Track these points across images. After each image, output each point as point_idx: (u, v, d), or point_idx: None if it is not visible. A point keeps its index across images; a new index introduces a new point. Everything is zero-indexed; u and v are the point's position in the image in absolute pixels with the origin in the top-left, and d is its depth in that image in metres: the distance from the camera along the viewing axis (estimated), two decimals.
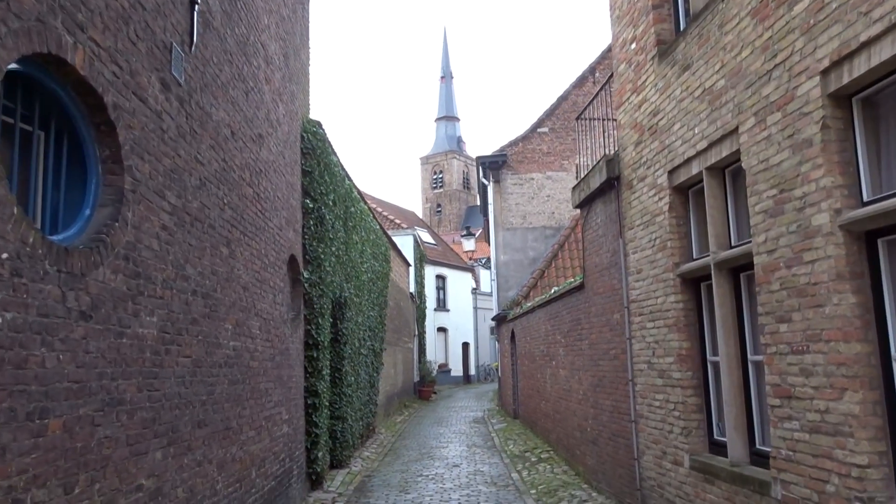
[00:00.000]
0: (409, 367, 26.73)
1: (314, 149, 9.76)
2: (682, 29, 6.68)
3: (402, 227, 33.47)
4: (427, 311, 33.81)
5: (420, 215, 67.43)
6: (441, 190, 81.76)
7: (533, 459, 11.89)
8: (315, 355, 9.49)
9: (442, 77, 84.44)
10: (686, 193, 6.68)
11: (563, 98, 22.48)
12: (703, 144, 5.93)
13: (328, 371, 10.30)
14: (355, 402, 12.81)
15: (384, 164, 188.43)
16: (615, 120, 10.07)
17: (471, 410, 22.97)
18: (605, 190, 8.55)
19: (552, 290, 12.22)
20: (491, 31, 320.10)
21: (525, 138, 22.35)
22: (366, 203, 14.77)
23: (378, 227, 16.72)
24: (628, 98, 7.79)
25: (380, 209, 34.54)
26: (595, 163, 8.72)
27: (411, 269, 28.58)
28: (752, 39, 5.12)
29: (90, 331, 3.45)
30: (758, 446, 5.48)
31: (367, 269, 14.42)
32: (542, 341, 13.35)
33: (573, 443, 10.60)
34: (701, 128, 5.97)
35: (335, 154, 11.19)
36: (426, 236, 39.12)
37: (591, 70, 22.49)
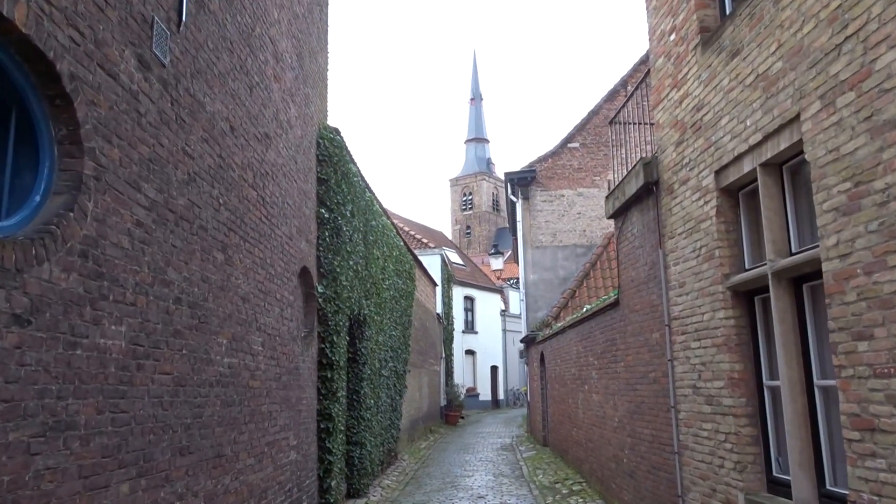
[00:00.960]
0: (436, 391, 25.98)
1: (331, 156, 9.24)
2: (728, 12, 6.01)
3: (430, 247, 32.91)
4: (455, 333, 33.07)
5: (449, 237, 67.02)
6: (470, 212, 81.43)
7: (564, 492, 11.06)
8: (329, 376, 8.87)
9: (472, 99, 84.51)
10: (736, 196, 5.95)
11: (594, 112, 21.82)
12: (757, 138, 5.22)
13: (344, 393, 9.67)
14: (375, 427, 12.14)
15: (414, 186, 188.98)
16: (651, 124, 9.41)
17: (499, 437, 22.11)
18: (641, 197, 7.85)
19: (584, 309, 11.47)
20: (520, 53, 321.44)
21: (555, 154, 21.70)
22: (388, 218, 14.22)
23: (402, 243, 16.15)
24: (667, 94, 7.11)
25: (406, 228, 34.05)
26: (630, 168, 8.04)
27: (438, 290, 27.95)
28: (815, 11, 4.42)
29: (27, 339, 2.87)
30: (829, 487, 4.68)
31: (390, 287, 13.83)
32: (574, 364, 12.57)
33: (608, 475, 9.77)
34: (754, 119, 5.27)
35: (354, 164, 10.67)
36: (454, 257, 38.50)
37: (623, 83, 21.82)
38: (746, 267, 5.79)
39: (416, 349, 19.81)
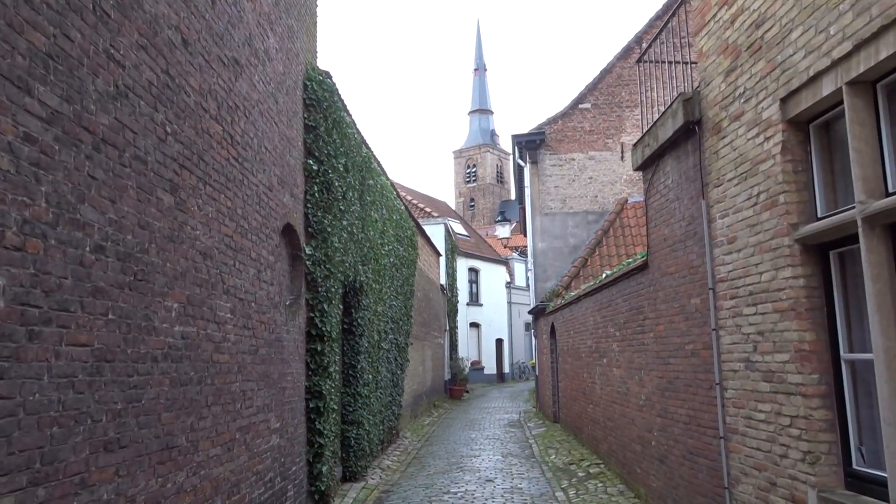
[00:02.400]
0: (440, 364, 25.09)
1: (320, 101, 8.12)
2: None
3: (433, 216, 31.80)
4: (459, 306, 32.12)
5: (453, 209, 65.92)
6: (474, 184, 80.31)
7: (580, 474, 10.10)
8: (319, 349, 7.86)
9: (475, 69, 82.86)
10: (805, 129, 4.84)
11: (606, 71, 20.55)
12: (845, 48, 4.09)
13: (338, 368, 8.66)
14: (373, 404, 11.17)
15: (416, 159, 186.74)
16: (686, 63, 8.25)
17: (505, 412, 21.22)
18: (679, 141, 6.74)
19: (602, 275, 10.42)
20: (524, 22, 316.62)
21: (565, 115, 20.48)
22: (388, 179, 13.11)
23: (403, 207, 15.06)
24: (714, 15, 5.95)
25: (409, 197, 32.91)
26: (666, 107, 6.91)
27: (442, 260, 26.92)
28: None
29: None
30: None
31: (390, 253, 12.77)
32: (590, 335, 11.55)
33: (631, 457, 8.79)
34: (841, 25, 4.14)
35: (348, 114, 9.55)
36: (458, 227, 37.38)
37: (638, 40, 20.51)
38: (819, 215, 4.71)
39: (419, 321, 18.83)
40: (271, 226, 6.45)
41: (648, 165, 7.70)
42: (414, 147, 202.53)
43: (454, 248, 31.32)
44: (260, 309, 5.99)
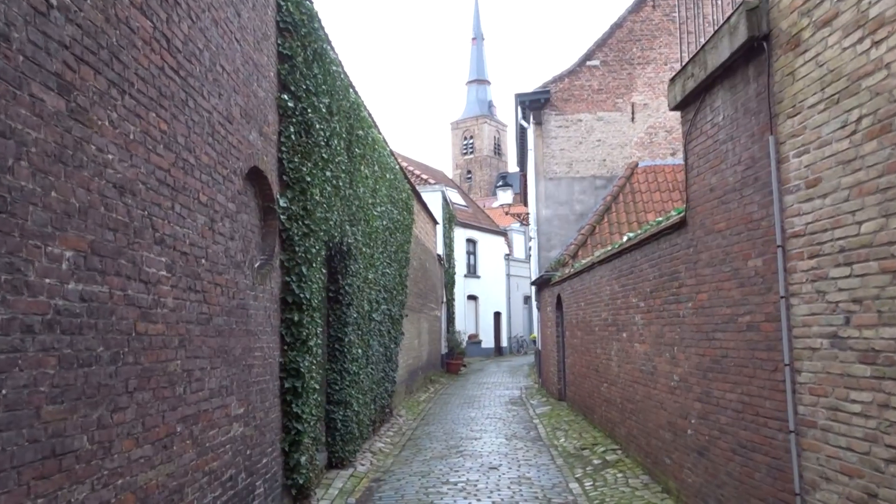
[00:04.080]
0: (437, 338, 23.98)
1: (297, 25, 6.81)
2: None
3: (430, 183, 30.48)
4: (456, 277, 30.95)
5: (450, 178, 64.59)
6: (471, 156, 79.03)
7: (595, 462, 8.99)
8: (297, 319, 6.65)
9: (473, 38, 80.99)
10: None
11: (617, 25, 19.12)
12: None
13: (320, 341, 7.47)
14: (364, 382, 10.01)
15: (413, 129, 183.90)
16: None
17: (505, 388, 20.15)
18: (735, 66, 5.47)
19: (623, 239, 9.19)
20: None
21: (572, 73, 19.10)
22: (380, 133, 11.81)
23: (398, 167, 13.77)
24: None
25: (405, 164, 31.53)
26: (720, 25, 5.61)
27: (439, 229, 25.68)
28: None
29: None
30: None
31: (383, 215, 11.52)
32: (605, 307, 10.36)
33: (658, 446, 7.66)
34: None
35: (333, 49, 8.23)
36: (456, 197, 36.07)
37: None
38: None
39: (415, 291, 17.65)
40: (231, 166, 5.19)
41: (690, 102, 6.43)
42: (410, 118, 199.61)
43: (452, 218, 30.05)
44: (214, 268, 4.76)
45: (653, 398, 7.91)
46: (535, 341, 23.98)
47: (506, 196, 19.99)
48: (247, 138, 5.59)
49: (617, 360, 9.73)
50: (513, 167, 71.30)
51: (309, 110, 6.99)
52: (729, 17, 5.38)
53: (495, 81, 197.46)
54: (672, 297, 7.10)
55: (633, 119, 18.81)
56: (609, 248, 9.98)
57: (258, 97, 5.96)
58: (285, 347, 6.58)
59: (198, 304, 4.44)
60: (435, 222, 23.79)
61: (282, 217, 6.48)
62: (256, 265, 6.06)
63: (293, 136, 6.72)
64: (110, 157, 3.34)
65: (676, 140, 18.72)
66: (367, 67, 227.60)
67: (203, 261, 4.55)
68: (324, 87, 7.55)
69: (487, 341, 36.47)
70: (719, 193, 5.83)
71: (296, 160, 6.72)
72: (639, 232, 8.44)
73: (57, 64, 2.91)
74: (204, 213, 4.59)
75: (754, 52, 5.15)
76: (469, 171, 78.74)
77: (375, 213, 10.83)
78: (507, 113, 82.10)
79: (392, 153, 12.97)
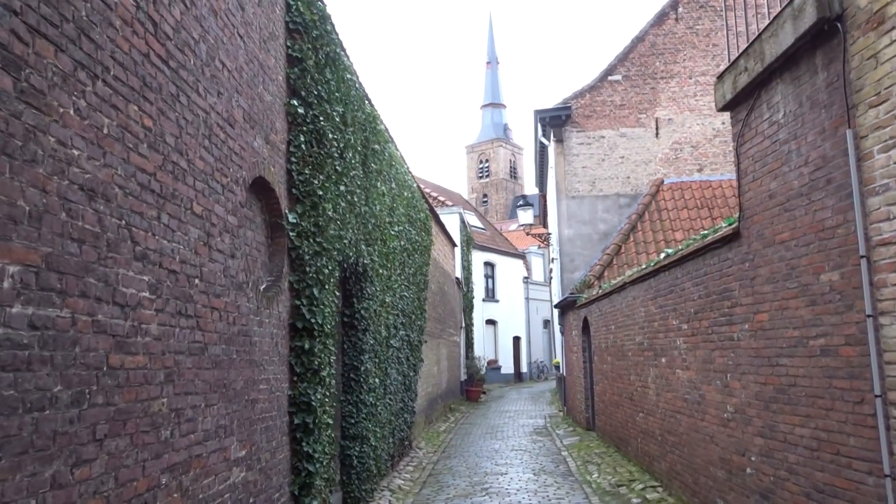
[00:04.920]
0: (456, 364, 23.23)
1: (308, 27, 6.28)
2: None
3: (447, 205, 29.93)
4: (475, 301, 30.24)
5: (467, 200, 64.23)
6: (487, 179, 78.72)
7: (635, 501, 8.20)
8: (307, 347, 6.02)
9: (488, 62, 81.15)
10: None
11: (639, 39, 18.57)
12: None
13: (333, 371, 6.82)
14: (381, 414, 9.33)
15: (428, 153, 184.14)
16: None
17: (528, 416, 19.32)
18: (800, 54, 4.83)
19: (660, 255, 8.50)
20: (537, 15, 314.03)
21: (593, 88, 18.53)
22: (397, 149, 11.26)
23: (416, 185, 13.21)
24: None
25: (421, 186, 31.04)
26: (782, 8, 4.98)
27: (457, 251, 25.05)
28: None
29: None
30: None
31: (400, 235, 10.92)
32: (640, 330, 9.64)
33: (709, 485, 6.89)
34: None
35: (347, 55, 7.70)
36: (473, 220, 35.51)
37: (674, 5, 18.53)
38: None
39: (434, 316, 16.98)
40: (232, 175, 4.61)
41: (742, 101, 5.79)
42: (426, 142, 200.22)
43: (470, 240, 29.44)
44: (210, 289, 4.15)
45: (700, 431, 7.16)
46: (557, 367, 23.15)
47: (526, 216, 19.29)
48: (251, 145, 5.02)
49: (655, 387, 8.98)
50: (529, 190, 70.79)
51: (321, 118, 6.43)
52: (791, 0, 4.76)
53: (510, 104, 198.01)
54: (723, 319, 6.39)
55: (657, 135, 18.18)
56: (643, 266, 9.29)
57: (264, 101, 5.40)
58: (295, 379, 5.94)
59: (190, 330, 3.82)
60: (453, 244, 23.19)
61: (291, 234, 5.88)
62: (262, 287, 5.46)
63: (304, 146, 6.15)
64: (76, 152, 2.76)
65: (703, 156, 18.06)
66: (382, 91, 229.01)
67: (197, 281, 3.94)
68: (337, 94, 7.00)
69: (507, 367, 35.58)
70: (781, 200, 5.16)
71: (306, 172, 6.14)
72: (679, 248, 7.75)
73: (1, 32, 2.34)
74: (198, 225, 3.99)
75: (823, 36, 4.51)
76: (485, 195, 78.42)
77: (393, 233, 10.23)
78: (523, 136, 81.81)
79: (409, 171, 12.40)
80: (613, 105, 18.42)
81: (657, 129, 18.21)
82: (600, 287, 13.16)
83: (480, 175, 78.52)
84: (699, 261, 6.99)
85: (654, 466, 9.08)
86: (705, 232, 6.88)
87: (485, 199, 77.45)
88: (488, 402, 24.73)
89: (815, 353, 4.75)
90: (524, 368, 37.42)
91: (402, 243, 11.16)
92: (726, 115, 18.62)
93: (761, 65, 5.24)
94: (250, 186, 5.11)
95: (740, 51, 5.75)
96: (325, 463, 6.37)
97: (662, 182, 17.67)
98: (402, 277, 11.22)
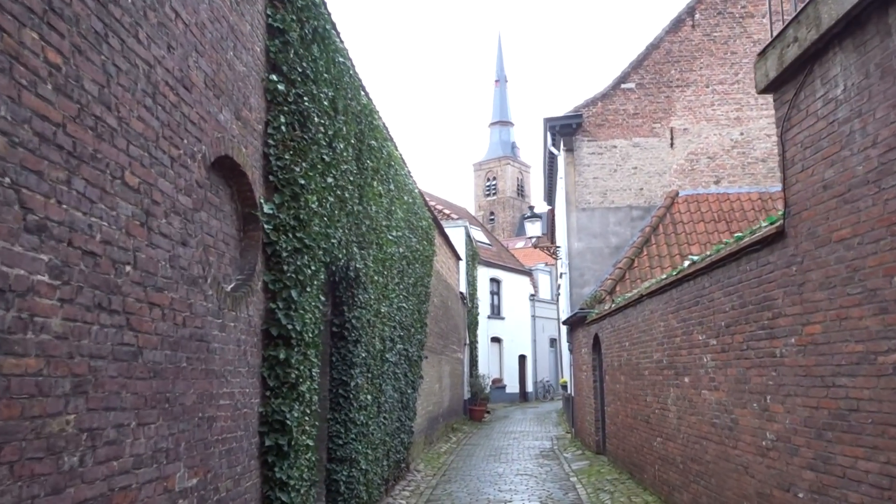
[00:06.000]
0: (458, 382, 22.34)
1: None
2: None
3: (452, 218, 29.20)
4: (479, 318, 29.39)
5: (473, 215, 63.63)
6: (494, 197, 78.21)
7: None
8: (283, 357, 5.22)
9: (496, 81, 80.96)
10: None
11: (653, 46, 17.87)
12: None
13: (315, 386, 6.02)
14: (374, 434, 8.50)
15: (436, 171, 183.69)
16: None
17: (534, 438, 18.39)
18: (864, 18, 4.06)
19: (684, 264, 7.69)
20: (546, 34, 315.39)
21: (605, 96, 17.82)
22: (398, 150, 10.54)
23: (418, 191, 12.46)
24: None
25: (427, 199, 30.33)
26: None
27: (462, 265, 24.28)
28: None
29: None
30: None
31: (399, 241, 10.15)
32: (659, 346, 8.81)
33: None
34: None
35: (339, 36, 6.99)
36: (479, 235, 34.73)
37: (690, 11, 17.85)
38: None
39: (436, 331, 16.16)
40: (186, 147, 3.86)
41: (789, 78, 5.00)
42: (433, 159, 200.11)
43: (475, 255, 28.66)
44: (149, 281, 3.38)
45: (732, 460, 6.30)
46: (565, 386, 22.22)
47: (534, 228, 18.52)
48: (214, 117, 4.27)
49: (676, 409, 8.13)
50: (537, 209, 70.19)
51: (305, 99, 5.69)
52: None
53: (518, 123, 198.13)
54: (762, 332, 5.56)
55: (671, 145, 17.42)
56: (662, 276, 8.47)
57: (235, 70, 4.66)
58: (268, 394, 5.14)
59: (115, 330, 3.04)
60: (458, 258, 22.41)
61: (266, 226, 5.12)
62: (231, 286, 4.69)
63: (284, 128, 5.40)
64: None
65: (720, 168, 17.27)
66: (390, 108, 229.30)
67: (128, 269, 3.17)
68: (326, 76, 6.27)
69: (512, 386, 34.62)
70: (840, 190, 4.36)
71: (287, 157, 5.39)
72: (707, 254, 6.94)
73: None
74: (133, 200, 3.22)
75: None
76: (492, 213, 77.88)
77: (390, 238, 9.46)
78: (530, 154, 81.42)
79: (410, 174, 11.65)
80: (626, 114, 17.69)
81: (672, 139, 17.46)
82: (613, 301, 12.33)
83: (487, 193, 78.05)
84: (732, 267, 6.19)
85: (675, 497, 8.20)
86: (739, 234, 6.07)
87: (492, 217, 76.88)
88: (492, 422, 23.79)
89: (887, 371, 3.93)
90: (529, 388, 36.43)
91: (401, 250, 10.39)
92: (745, 126, 17.93)
93: (816, 32, 4.47)
94: (213, 165, 4.36)
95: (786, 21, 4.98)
96: (302, 491, 5.54)
97: (677, 194, 16.89)
98: (401, 287, 10.43)
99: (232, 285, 4.75)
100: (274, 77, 5.33)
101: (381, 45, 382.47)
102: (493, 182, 77.11)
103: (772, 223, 5.32)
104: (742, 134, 17.29)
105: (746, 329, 5.89)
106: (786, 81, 5.06)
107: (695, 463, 7.44)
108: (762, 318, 5.55)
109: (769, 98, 18.29)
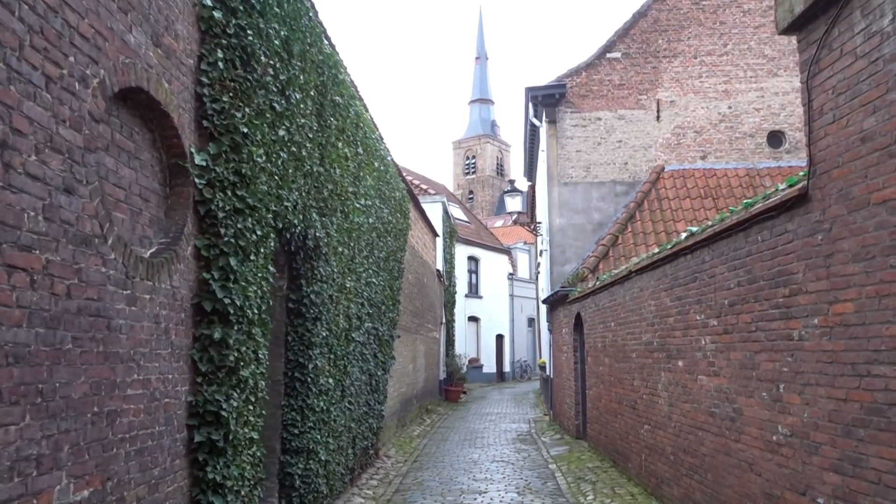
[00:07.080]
0: (434, 362, 21.66)
1: None
2: None
3: (430, 193, 28.34)
4: (457, 297, 28.70)
5: (452, 192, 62.77)
6: (473, 176, 77.52)
7: None
8: (219, 336, 4.41)
9: (476, 58, 79.81)
10: None
11: (640, 14, 17.07)
12: None
13: (261, 370, 5.21)
14: (337, 421, 7.73)
15: (414, 149, 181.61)
16: None
17: (511, 420, 17.78)
18: None
19: (681, 235, 6.97)
20: (528, 11, 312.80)
21: (590, 66, 17.02)
22: (368, 112, 9.66)
23: (390, 159, 11.61)
24: None
25: (404, 174, 29.41)
26: None
27: (439, 242, 23.51)
28: None
29: None
30: None
31: (368, 211, 9.31)
32: (649, 327, 8.12)
33: None
34: None
35: None
36: (458, 212, 33.93)
37: None
38: None
39: (411, 309, 15.40)
40: (73, 67, 3.00)
41: (820, 12, 4.23)
42: (412, 137, 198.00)
43: (453, 232, 27.88)
44: (8, 236, 2.54)
45: (733, 455, 5.63)
46: (543, 367, 21.64)
47: (514, 203, 17.77)
48: (119, 37, 3.40)
49: (667, 395, 7.46)
50: (518, 185, 69.44)
51: (249, 32, 4.82)
52: None
53: (499, 101, 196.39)
54: (776, 312, 4.85)
55: (658, 118, 16.70)
56: (662, 248, 7.75)
57: None
58: (199, 380, 4.33)
59: None
60: (435, 234, 21.62)
61: (199, 181, 4.28)
62: (151, 251, 3.86)
63: (222, 65, 4.54)
64: None
65: (707, 142, 16.60)
66: (368, 84, 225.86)
67: None
68: (277, 10, 5.39)
69: (489, 366, 34.07)
70: (884, 142, 3.62)
71: (225, 100, 4.53)
72: (709, 223, 6.21)
73: None
74: None
75: None
76: (471, 192, 77.20)
77: (358, 206, 8.63)
78: (511, 133, 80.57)
79: (382, 139, 10.79)
80: (612, 84, 16.91)
81: (658, 111, 16.73)
82: (597, 279, 11.64)
83: (467, 171, 77.28)
84: (739, 238, 5.46)
85: (664, 491, 7.55)
86: (749, 200, 5.34)
87: (471, 196, 76.21)
88: (468, 402, 23.18)
89: None
90: (507, 368, 35.93)
91: (371, 220, 9.56)
92: (733, 100, 17.21)
93: None
94: (122, 100, 3.50)
95: None
96: (243, 492, 4.76)
97: (663, 169, 16.21)
98: (370, 261, 9.61)
99: (152, 250, 3.91)
100: (208, 2, 4.45)
101: (359, 19, 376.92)
102: (473, 161, 76.29)
103: (791, 185, 4.58)
104: (730, 108, 16.62)
105: (755, 308, 5.18)
106: (815, 16, 4.29)
107: (688, 455, 6.78)
108: (776, 296, 4.84)
109: (758, 71, 17.55)
